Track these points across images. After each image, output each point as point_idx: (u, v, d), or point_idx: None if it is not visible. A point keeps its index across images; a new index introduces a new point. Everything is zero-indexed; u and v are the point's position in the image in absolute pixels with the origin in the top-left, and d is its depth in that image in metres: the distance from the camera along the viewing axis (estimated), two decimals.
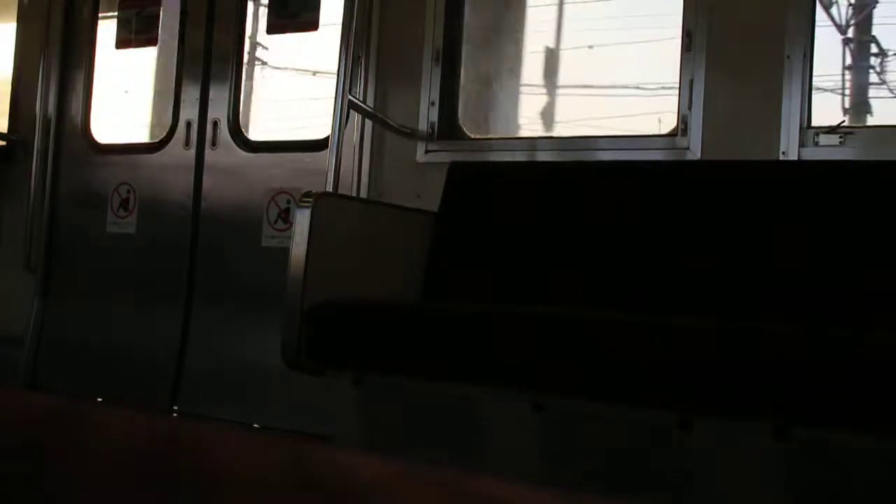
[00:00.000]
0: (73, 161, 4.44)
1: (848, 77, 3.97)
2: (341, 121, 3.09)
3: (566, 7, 3.92)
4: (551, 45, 4.30)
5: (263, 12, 4.13)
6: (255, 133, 4.15)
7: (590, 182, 3.05)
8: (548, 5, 3.77)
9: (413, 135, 3.54)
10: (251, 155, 3.97)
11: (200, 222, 4.05)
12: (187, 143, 4.10)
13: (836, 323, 2.16)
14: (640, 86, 3.85)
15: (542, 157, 3.35)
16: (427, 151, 3.53)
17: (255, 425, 3.65)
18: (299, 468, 0.36)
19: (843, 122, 2.87)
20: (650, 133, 3.29)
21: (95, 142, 4.44)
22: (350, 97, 3.17)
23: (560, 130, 3.86)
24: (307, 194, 2.61)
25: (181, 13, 4.20)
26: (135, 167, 4.26)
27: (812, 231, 2.61)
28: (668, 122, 3.09)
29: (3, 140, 4.54)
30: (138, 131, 4.74)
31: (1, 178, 4.55)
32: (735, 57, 3.01)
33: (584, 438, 2.19)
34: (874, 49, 4.09)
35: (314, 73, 4.46)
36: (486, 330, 2.25)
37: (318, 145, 3.75)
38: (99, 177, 4.35)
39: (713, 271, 2.67)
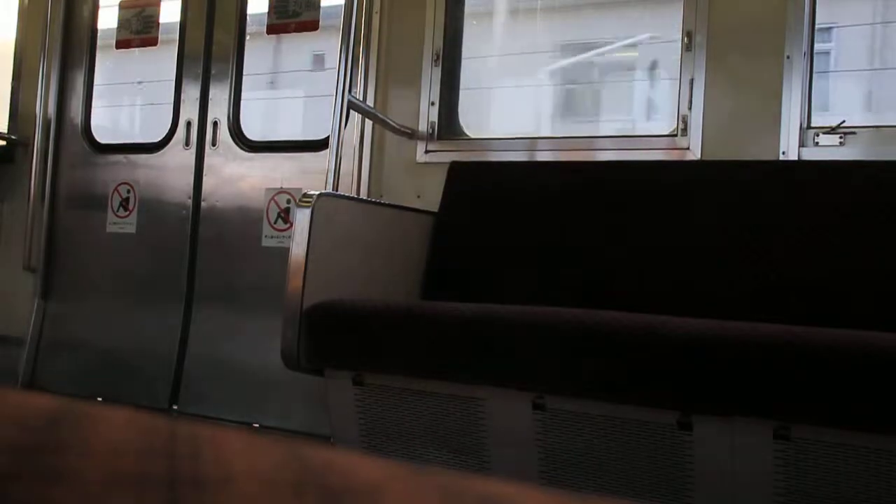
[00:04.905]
0: (73, 161, 4.44)
1: None
2: (341, 121, 3.09)
3: None
4: None
5: None
6: None
7: (590, 182, 3.05)
8: None
9: (413, 135, 3.55)
10: (251, 155, 3.98)
11: (200, 222, 4.05)
12: (187, 143, 4.10)
13: (837, 323, 2.16)
14: None
15: (542, 157, 3.35)
16: (427, 151, 3.53)
17: (255, 425, 3.65)
18: (299, 468, 0.36)
19: (843, 122, 2.86)
20: (651, 133, 3.29)
21: (95, 141, 4.44)
22: (350, 97, 3.17)
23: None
24: (307, 194, 2.61)
25: (181, 13, 4.21)
26: (135, 167, 4.26)
27: (812, 231, 2.61)
28: None
29: (3, 140, 4.55)
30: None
31: (1, 178, 4.55)
32: (735, 57, 3.02)
33: (584, 438, 2.19)
34: None
35: None
36: (486, 330, 2.25)
37: (318, 145, 3.75)
38: (99, 177, 4.35)
39: (713, 271, 2.67)
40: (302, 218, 2.55)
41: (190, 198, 4.06)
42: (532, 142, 3.50)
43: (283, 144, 4.05)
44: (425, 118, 3.55)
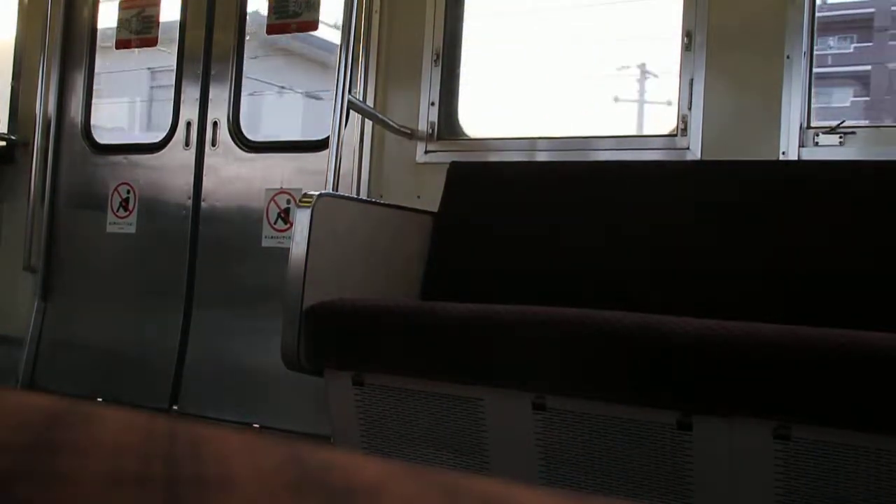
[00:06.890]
0: (73, 161, 4.44)
1: None
2: (341, 121, 3.09)
3: None
4: None
5: None
6: None
7: (590, 182, 3.05)
8: None
9: (413, 135, 3.55)
10: (251, 155, 3.98)
11: (200, 222, 4.05)
12: (187, 144, 4.10)
13: (836, 322, 2.16)
14: None
15: (542, 157, 3.35)
16: (427, 151, 3.53)
17: (255, 425, 3.65)
18: (299, 468, 0.36)
19: (843, 122, 2.86)
20: (651, 133, 3.30)
21: (95, 142, 4.44)
22: (350, 97, 3.17)
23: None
24: (307, 195, 2.61)
25: (181, 13, 4.21)
26: (135, 167, 4.26)
27: (812, 231, 2.61)
28: None
29: (3, 140, 4.55)
30: None
31: (1, 178, 4.55)
32: (735, 57, 3.02)
33: (584, 438, 2.19)
34: None
35: None
36: (486, 330, 2.25)
37: (318, 145, 3.75)
38: (99, 177, 4.35)
39: (713, 271, 2.67)
40: (302, 218, 2.55)
41: (190, 198, 4.06)
42: (532, 142, 3.50)
43: (282, 145, 4.05)
44: (425, 118, 3.55)
